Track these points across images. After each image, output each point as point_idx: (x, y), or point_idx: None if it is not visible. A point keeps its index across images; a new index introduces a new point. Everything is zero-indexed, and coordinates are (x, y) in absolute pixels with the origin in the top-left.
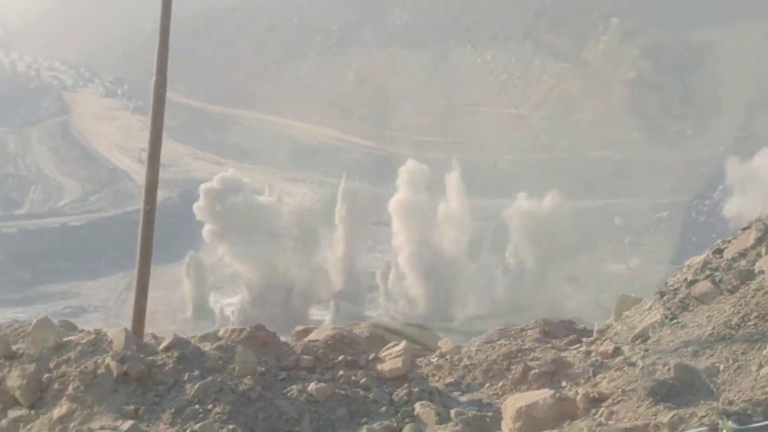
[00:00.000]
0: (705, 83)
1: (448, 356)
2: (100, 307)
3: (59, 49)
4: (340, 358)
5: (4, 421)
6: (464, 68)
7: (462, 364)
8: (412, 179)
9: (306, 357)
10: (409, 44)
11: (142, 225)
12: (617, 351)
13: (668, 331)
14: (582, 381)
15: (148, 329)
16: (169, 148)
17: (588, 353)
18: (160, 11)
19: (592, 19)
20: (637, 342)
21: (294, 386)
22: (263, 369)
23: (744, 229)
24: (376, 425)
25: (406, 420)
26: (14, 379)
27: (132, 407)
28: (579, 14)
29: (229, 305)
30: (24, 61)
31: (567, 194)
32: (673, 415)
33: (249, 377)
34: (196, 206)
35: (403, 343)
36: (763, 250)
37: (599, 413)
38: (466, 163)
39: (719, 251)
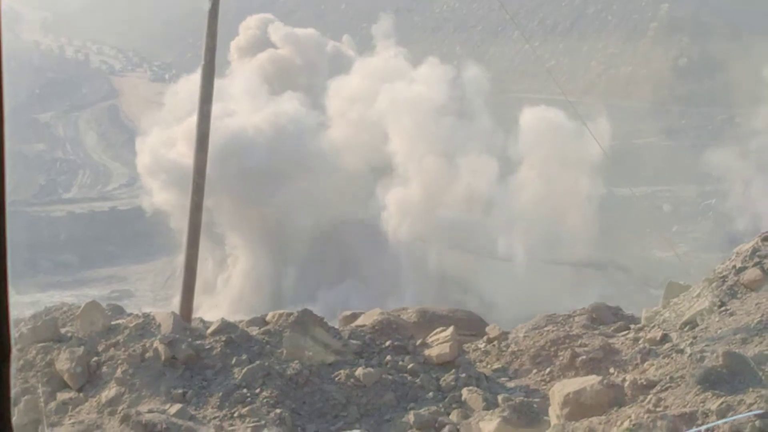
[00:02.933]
0: (754, 71)
1: (495, 342)
2: (148, 291)
3: (108, 34)
4: (388, 343)
5: (53, 404)
6: (512, 54)
7: (509, 350)
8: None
9: (353, 342)
10: (456, 30)
11: (191, 208)
12: (665, 338)
13: (716, 319)
14: (630, 368)
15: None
16: None
17: (636, 340)
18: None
19: (640, 5)
20: (686, 329)
21: (341, 371)
22: (311, 354)
23: None
24: (423, 411)
25: (454, 405)
26: (63, 362)
27: (180, 391)
28: (628, 1)
29: None
30: (73, 45)
31: (615, 181)
32: (722, 403)
33: (297, 362)
34: None
35: (450, 329)
36: None
37: (647, 400)
38: None
39: None
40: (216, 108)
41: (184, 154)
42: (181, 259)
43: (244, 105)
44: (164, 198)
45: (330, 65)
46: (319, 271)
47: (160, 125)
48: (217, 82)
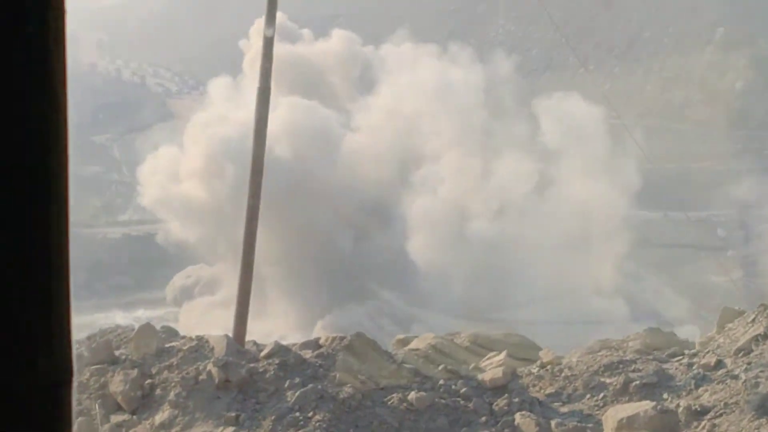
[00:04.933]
0: None
1: (549, 366)
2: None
3: (164, 56)
4: (441, 367)
5: (107, 426)
6: (567, 78)
7: (563, 374)
8: None
9: (407, 366)
10: (511, 54)
11: (245, 232)
12: (720, 364)
13: None
14: (684, 393)
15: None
16: None
17: (690, 365)
18: (264, 22)
19: (697, 28)
20: (740, 355)
21: (394, 395)
22: (364, 377)
23: None
24: None
25: (506, 430)
26: (117, 384)
27: (233, 414)
28: (683, 24)
29: None
30: (129, 67)
31: (671, 205)
32: None
33: (349, 385)
34: None
35: (503, 353)
36: None
37: (701, 426)
38: None
39: None
40: (235, 119)
41: (193, 189)
42: (199, 275)
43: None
44: (182, 230)
45: (358, 71)
46: (335, 291)
47: (169, 147)
48: (233, 91)
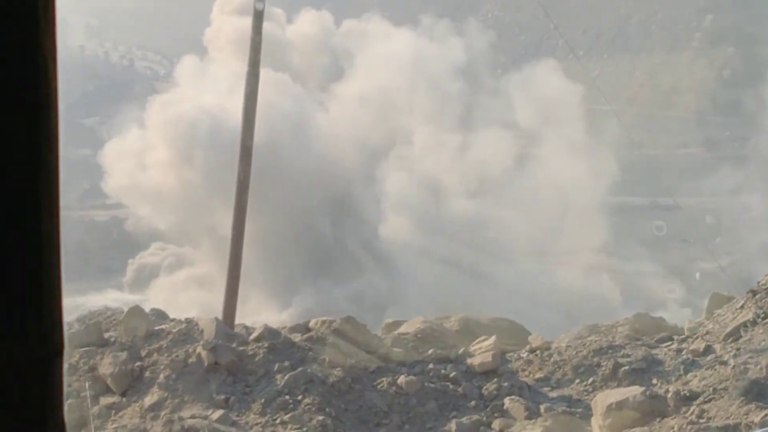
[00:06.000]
0: None
1: (538, 351)
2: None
3: (153, 39)
4: (430, 351)
5: (96, 408)
6: (556, 63)
7: (552, 359)
8: None
9: (396, 350)
10: (499, 39)
11: (234, 212)
12: (709, 349)
13: (760, 330)
14: (673, 379)
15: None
16: None
17: (679, 351)
18: (253, 4)
19: (685, 15)
20: (729, 340)
21: (383, 379)
22: (353, 361)
23: None
24: (465, 419)
25: (496, 414)
26: (106, 367)
27: (222, 397)
28: (672, 10)
29: None
30: (118, 51)
31: (659, 192)
32: (765, 415)
33: (339, 369)
34: None
35: (493, 338)
36: None
37: (690, 411)
38: None
39: None
40: (203, 99)
41: (163, 176)
42: (165, 253)
43: (232, 95)
44: (152, 217)
45: (332, 51)
46: (311, 274)
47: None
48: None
